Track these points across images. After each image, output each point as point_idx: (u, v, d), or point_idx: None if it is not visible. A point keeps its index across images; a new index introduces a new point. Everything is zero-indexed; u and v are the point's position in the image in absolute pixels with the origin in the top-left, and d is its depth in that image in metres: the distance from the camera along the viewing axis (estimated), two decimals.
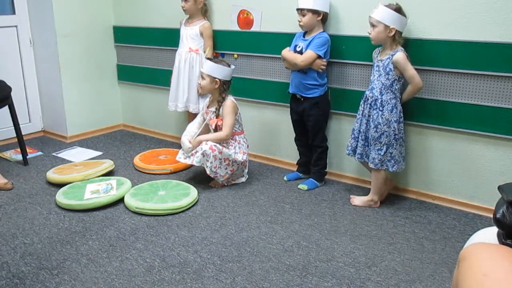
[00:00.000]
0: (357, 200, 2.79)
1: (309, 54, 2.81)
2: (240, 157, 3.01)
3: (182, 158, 2.99)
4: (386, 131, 2.59)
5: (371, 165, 2.67)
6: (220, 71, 2.95)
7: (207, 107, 3.11)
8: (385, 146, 2.61)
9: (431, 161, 2.78)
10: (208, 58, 3.11)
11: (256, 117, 3.46)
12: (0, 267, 2.14)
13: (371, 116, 2.62)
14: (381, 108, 2.58)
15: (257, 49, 3.32)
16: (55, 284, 2.02)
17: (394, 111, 2.57)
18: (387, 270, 2.12)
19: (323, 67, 2.86)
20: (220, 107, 2.99)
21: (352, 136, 2.76)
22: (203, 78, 2.98)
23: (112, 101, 4.35)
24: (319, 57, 2.82)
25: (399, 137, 2.62)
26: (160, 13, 3.84)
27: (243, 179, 3.14)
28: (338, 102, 3.02)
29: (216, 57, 3.42)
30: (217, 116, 3.01)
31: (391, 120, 2.57)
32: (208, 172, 2.94)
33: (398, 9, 2.50)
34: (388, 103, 2.57)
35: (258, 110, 3.46)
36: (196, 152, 2.92)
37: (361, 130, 2.68)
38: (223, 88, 3.00)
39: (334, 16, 2.92)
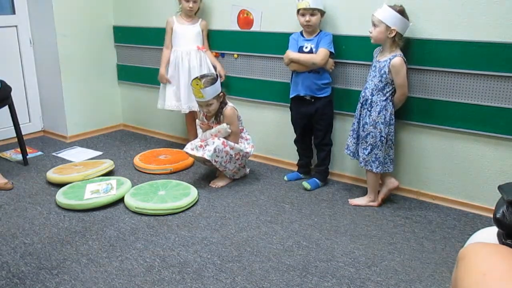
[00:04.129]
0: (356, 200, 2.80)
1: (325, 52, 2.83)
2: (250, 150, 3.09)
3: (189, 149, 2.98)
4: (372, 132, 2.61)
5: (359, 164, 2.72)
6: (219, 86, 2.96)
7: (207, 120, 3.10)
8: (370, 146, 2.63)
9: (431, 161, 2.78)
10: (203, 82, 2.90)
11: (256, 117, 3.46)
12: (0, 267, 2.14)
13: (362, 115, 2.66)
14: (369, 109, 2.61)
15: (257, 49, 3.32)
16: (55, 284, 2.02)
17: (381, 113, 2.58)
18: (387, 270, 2.12)
19: (333, 67, 2.91)
20: (221, 115, 3.02)
21: (350, 133, 2.78)
22: (210, 104, 2.95)
23: (112, 101, 4.35)
24: (331, 54, 2.85)
25: (387, 139, 2.63)
26: (160, 13, 3.84)
27: (246, 171, 3.22)
28: (339, 102, 3.01)
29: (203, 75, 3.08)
30: (219, 122, 3.04)
31: (378, 121, 2.59)
32: (217, 166, 2.97)
33: (402, 11, 2.49)
34: (377, 105, 2.58)
35: (258, 110, 3.46)
36: (207, 145, 2.93)
37: (355, 128, 2.73)
38: (222, 100, 3.04)
39: (334, 16, 2.92)
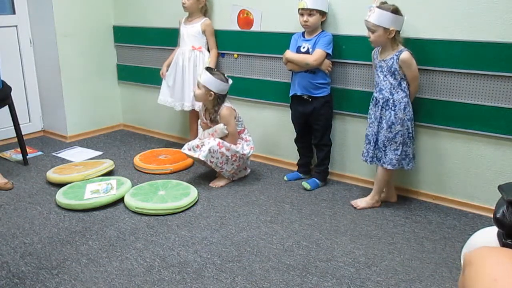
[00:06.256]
0: (360, 202, 2.76)
1: (320, 53, 2.82)
2: (248, 151, 3.04)
3: (186, 150, 2.98)
4: (400, 131, 2.58)
5: (389, 166, 2.63)
6: (216, 85, 2.92)
7: (206, 119, 3.09)
8: (401, 145, 2.60)
9: (432, 161, 2.78)
10: (207, 69, 2.98)
11: (256, 117, 3.46)
12: (0, 267, 2.14)
13: (384, 117, 2.59)
14: (393, 108, 2.56)
15: (257, 49, 3.32)
16: (55, 284, 2.02)
17: (407, 109, 2.56)
18: (387, 270, 2.12)
19: (329, 68, 2.89)
20: (215, 117, 3.00)
21: (367, 141, 2.71)
22: (198, 87, 2.95)
23: (112, 101, 4.35)
24: (327, 55, 2.84)
25: (412, 135, 2.62)
26: (160, 13, 3.84)
27: (247, 172, 3.20)
28: (339, 102, 3.01)
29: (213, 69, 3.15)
30: (216, 122, 3.03)
31: (405, 119, 2.56)
32: (213, 167, 2.96)
33: (395, 11, 2.46)
34: (401, 102, 2.55)
35: (258, 110, 3.46)
36: (203, 146, 2.92)
37: (373, 133, 2.66)
38: (217, 101, 2.98)
39: (334, 16, 2.92)
